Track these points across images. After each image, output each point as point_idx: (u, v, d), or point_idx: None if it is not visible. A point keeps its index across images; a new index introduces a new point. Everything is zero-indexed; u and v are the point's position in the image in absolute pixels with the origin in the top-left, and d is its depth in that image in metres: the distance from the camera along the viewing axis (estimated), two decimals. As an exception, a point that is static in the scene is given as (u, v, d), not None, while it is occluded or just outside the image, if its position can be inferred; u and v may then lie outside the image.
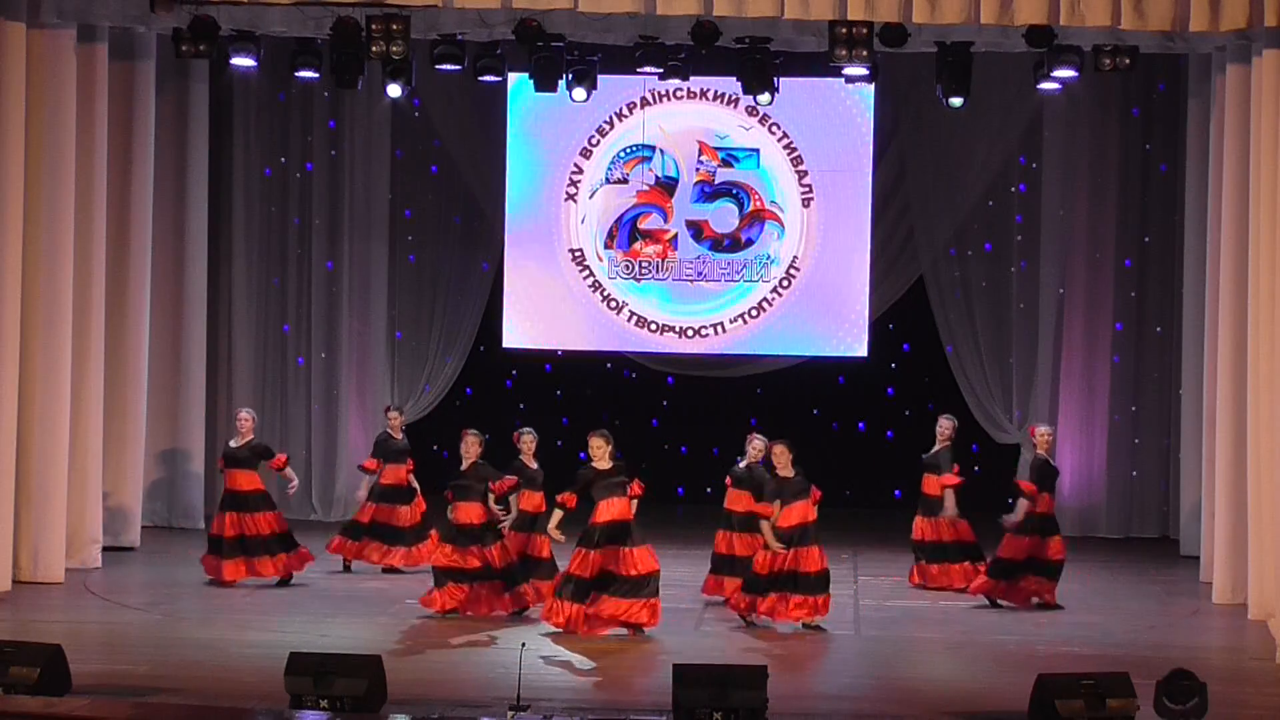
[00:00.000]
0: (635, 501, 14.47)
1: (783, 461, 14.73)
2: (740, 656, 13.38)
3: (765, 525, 14.67)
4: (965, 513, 16.49)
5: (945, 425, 16.57)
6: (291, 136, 20.03)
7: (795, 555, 14.59)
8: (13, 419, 15.57)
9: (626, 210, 19.64)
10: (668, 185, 19.60)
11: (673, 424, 19.76)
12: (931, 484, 16.52)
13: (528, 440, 15.62)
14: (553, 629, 14.24)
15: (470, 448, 15.00)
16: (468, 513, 14.81)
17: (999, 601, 15.72)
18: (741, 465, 15.86)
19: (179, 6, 15.50)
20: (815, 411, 20.33)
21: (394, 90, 16.83)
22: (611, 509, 14.33)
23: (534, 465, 15.58)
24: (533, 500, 15.55)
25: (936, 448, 16.55)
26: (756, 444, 15.73)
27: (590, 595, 14.21)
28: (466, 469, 14.96)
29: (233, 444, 16.40)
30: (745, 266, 19.61)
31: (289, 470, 16.61)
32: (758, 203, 19.57)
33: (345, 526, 17.18)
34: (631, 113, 19.47)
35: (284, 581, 16.15)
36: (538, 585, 15.14)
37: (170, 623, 14.67)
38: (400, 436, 17.10)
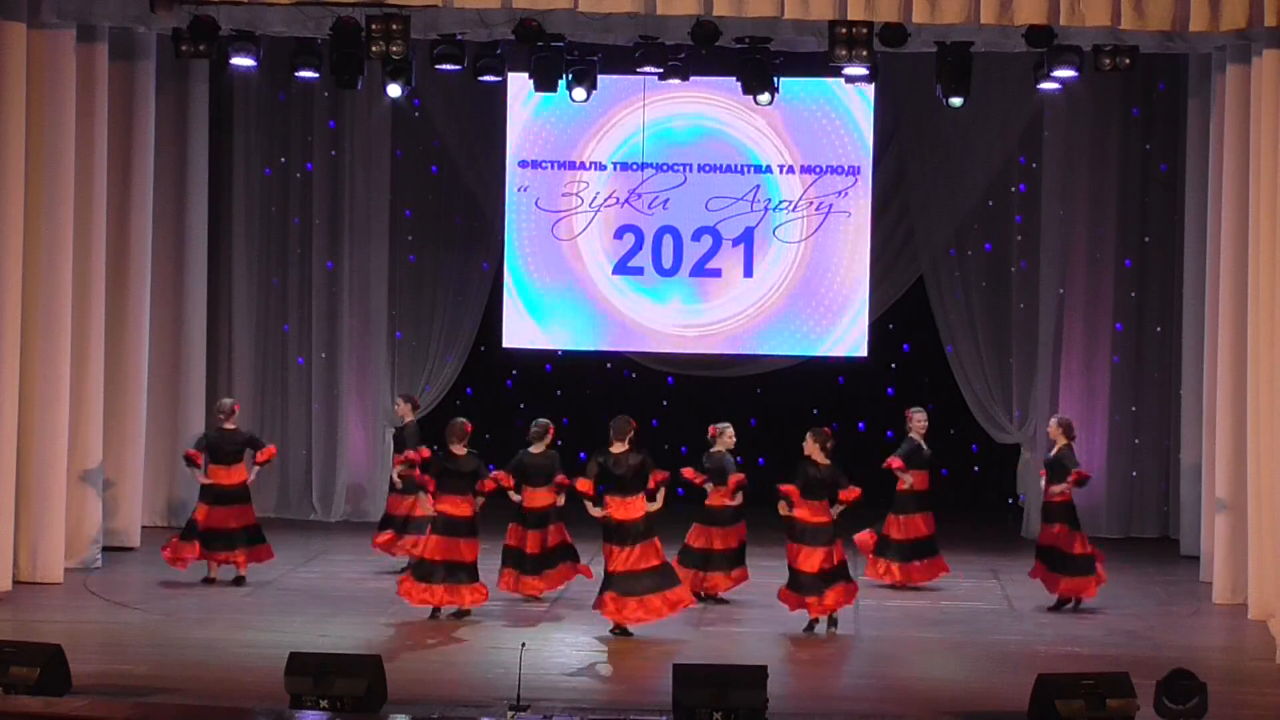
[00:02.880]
0: (662, 490, 14.57)
1: (813, 453, 14.76)
2: (740, 656, 13.38)
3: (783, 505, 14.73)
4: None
5: (918, 417, 16.61)
6: (291, 136, 20.03)
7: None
8: (13, 419, 15.57)
9: (626, 210, 19.64)
10: (667, 185, 19.60)
11: (673, 424, 19.74)
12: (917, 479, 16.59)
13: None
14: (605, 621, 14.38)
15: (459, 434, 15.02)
16: (458, 505, 14.82)
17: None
18: (713, 451, 15.82)
19: (179, 6, 15.50)
20: (815, 411, 20.29)
21: (394, 90, 16.84)
22: (625, 508, 14.39)
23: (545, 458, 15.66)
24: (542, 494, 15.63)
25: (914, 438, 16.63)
26: (722, 429, 15.75)
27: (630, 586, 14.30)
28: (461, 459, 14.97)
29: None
30: (745, 266, 19.61)
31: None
32: (758, 202, 19.57)
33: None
34: (631, 113, 19.47)
35: (239, 580, 16.13)
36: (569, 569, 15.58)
37: (170, 623, 14.67)
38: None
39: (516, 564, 15.53)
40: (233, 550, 16.11)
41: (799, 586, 14.60)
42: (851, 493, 14.73)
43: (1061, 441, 15.84)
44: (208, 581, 16.12)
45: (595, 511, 14.49)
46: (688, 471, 15.74)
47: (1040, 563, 15.82)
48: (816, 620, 14.63)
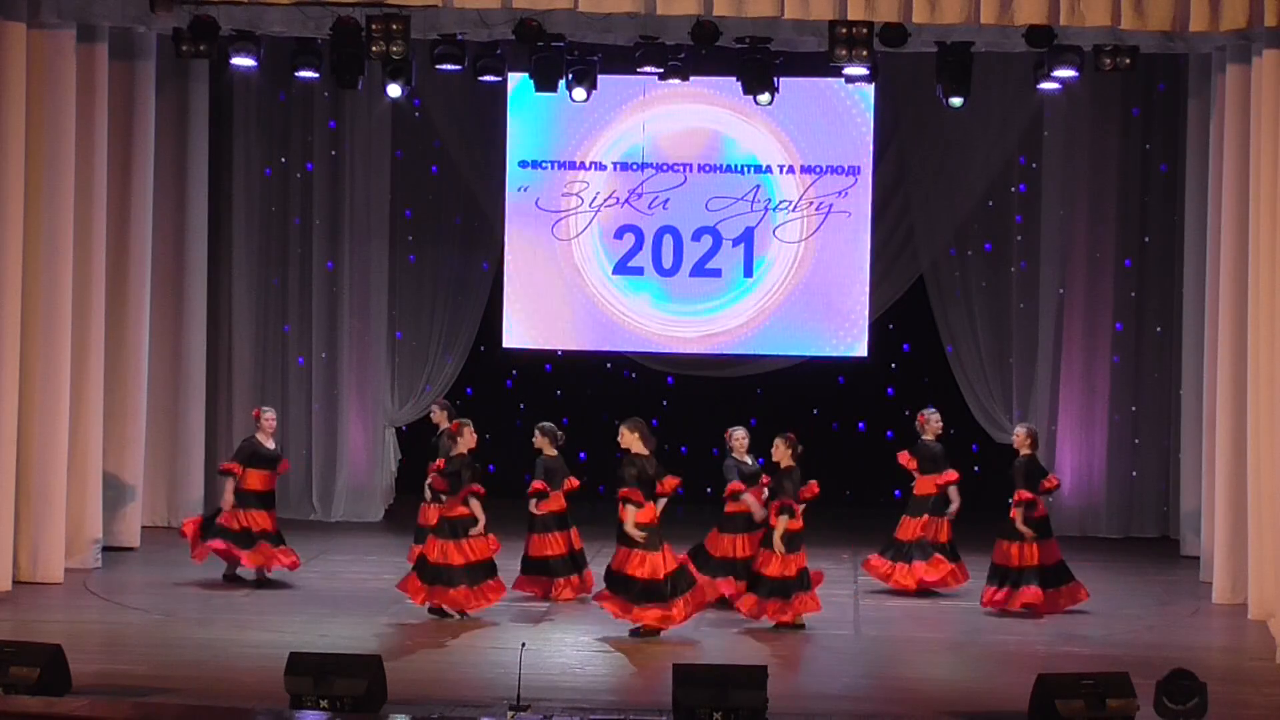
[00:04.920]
0: (663, 501, 14.51)
1: (780, 455, 14.75)
2: (740, 656, 13.38)
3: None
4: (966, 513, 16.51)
5: (934, 417, 16.55)
6: (291, 136, 20.03)
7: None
8: (13, 419, 15.57)
9: (626, 210, 19.64)
10: (667, 185, 19.60)
11: (673, 424, 19.74)
12: (926, 483, 16.47)
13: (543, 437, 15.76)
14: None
15: (469, 439, 15.00)
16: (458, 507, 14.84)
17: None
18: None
19: (179, 6, 15.51)
20: (815, 411, 20.33)
21: (394, 90, 16.84)
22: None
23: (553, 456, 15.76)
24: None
25: (929, 438, 16.53)
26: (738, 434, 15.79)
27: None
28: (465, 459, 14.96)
29: (270, 445, 16.35)
30: (745, 266, 19.61)
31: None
32: (758, 202, 19.57)
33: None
34: (631, 113, 19.48)
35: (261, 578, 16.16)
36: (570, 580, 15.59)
37: (170, 623, 14.67)
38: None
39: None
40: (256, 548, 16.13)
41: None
42: (811, 489, 14.73)
43: (1025, 451, 15.82)
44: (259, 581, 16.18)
45: (636, 534, 14.33)
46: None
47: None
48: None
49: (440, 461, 15.31)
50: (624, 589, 14.21)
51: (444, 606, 14.72)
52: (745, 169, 19.61)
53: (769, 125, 19.45)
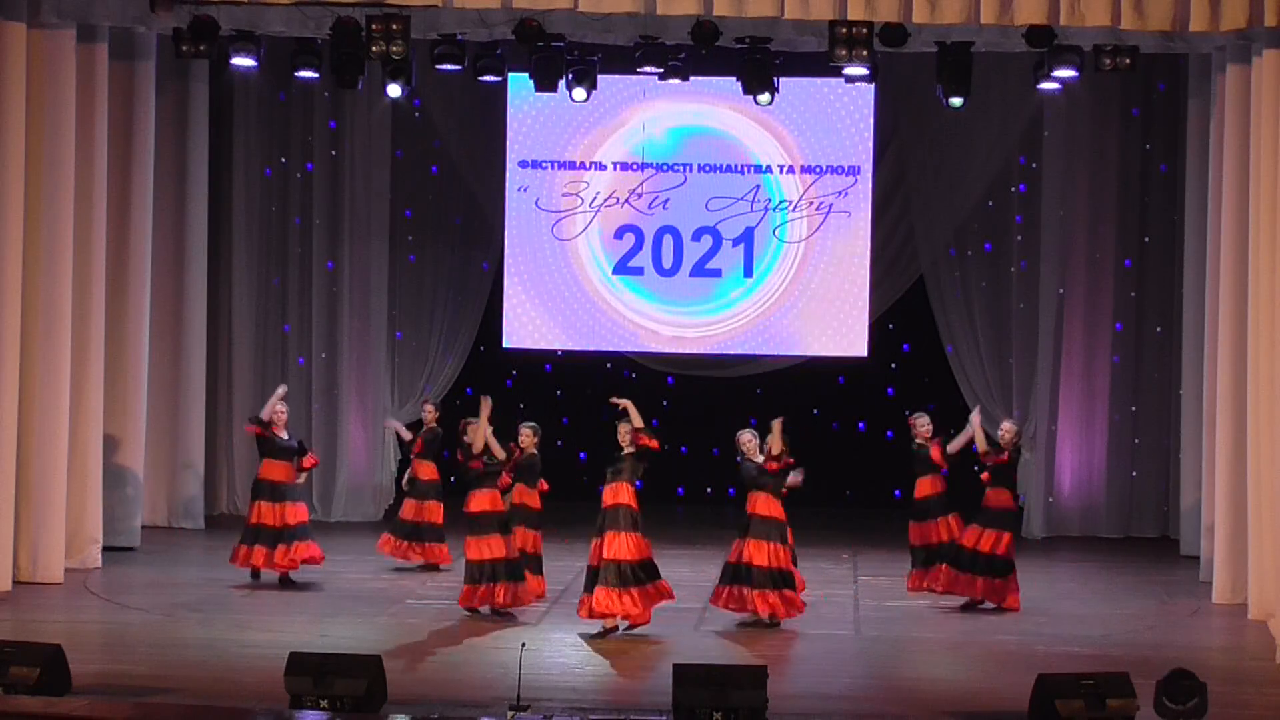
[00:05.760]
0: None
1: (750, 448, 14.90)
2: (740, 656, 13.39)
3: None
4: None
5: (920, 421, 16.55)
6: (291, 136, 20.04)
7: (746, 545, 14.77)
8: (13, 419, 15.57)
9: (626, 210, 19.64)
10: (667, 185, 19.61)
11: (673, 424, 19.73)
12: (922, 485, 16.42)
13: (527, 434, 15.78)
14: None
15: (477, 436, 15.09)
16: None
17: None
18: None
19: (179, 6, 15.51)
20: (815, 411, 20.32)
21: (394, 90, 16.84)
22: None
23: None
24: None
25: (920, 444, 16.49)
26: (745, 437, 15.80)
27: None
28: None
29: (283, 435, 16.36)
30: (745, 266, 19.62)
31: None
32: (758, 202, 19.57)
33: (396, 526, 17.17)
34: (631, 113, 19.48)
35: (286, 578, 16.14)
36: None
37: (170, 623, 14.67)
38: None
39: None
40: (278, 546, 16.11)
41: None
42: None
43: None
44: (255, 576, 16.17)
45: None
46: None
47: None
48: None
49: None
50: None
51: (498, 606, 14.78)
52: (745, 169, 19.61)
53: (769, 125, 19.45)
